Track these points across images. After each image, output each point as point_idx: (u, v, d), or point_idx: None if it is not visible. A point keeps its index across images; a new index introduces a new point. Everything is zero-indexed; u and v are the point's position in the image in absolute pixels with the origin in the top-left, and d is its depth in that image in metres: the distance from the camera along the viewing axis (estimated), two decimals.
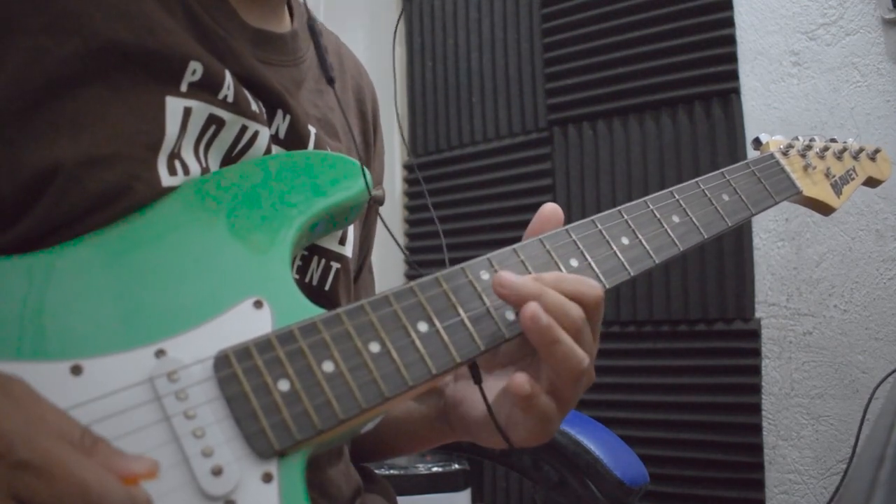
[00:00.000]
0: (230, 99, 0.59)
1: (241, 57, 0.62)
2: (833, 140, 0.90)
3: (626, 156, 1.94)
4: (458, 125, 2.27)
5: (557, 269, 0.57)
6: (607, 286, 0.59)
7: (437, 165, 2.31)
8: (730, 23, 1.81)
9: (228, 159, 0.61)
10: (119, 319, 0.47)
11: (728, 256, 1.78)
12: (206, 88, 0.58)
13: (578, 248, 0.59)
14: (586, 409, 1.79)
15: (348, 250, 0.71)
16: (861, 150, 0.91)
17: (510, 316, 0.54)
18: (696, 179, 0.70)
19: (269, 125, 0.64)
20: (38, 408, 0.38)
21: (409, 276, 2.26)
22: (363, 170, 0.62)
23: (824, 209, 0.85)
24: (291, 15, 0.75)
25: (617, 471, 0.93)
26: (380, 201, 0.73)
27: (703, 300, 1.81)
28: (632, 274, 0.61)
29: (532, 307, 0.50)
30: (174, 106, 0.56)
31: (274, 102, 0.64)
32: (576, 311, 0.52)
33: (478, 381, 0.56)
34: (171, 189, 0.55)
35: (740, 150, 1.78)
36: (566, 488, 0.97)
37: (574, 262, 0.59)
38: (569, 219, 0.59)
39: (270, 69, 0.66)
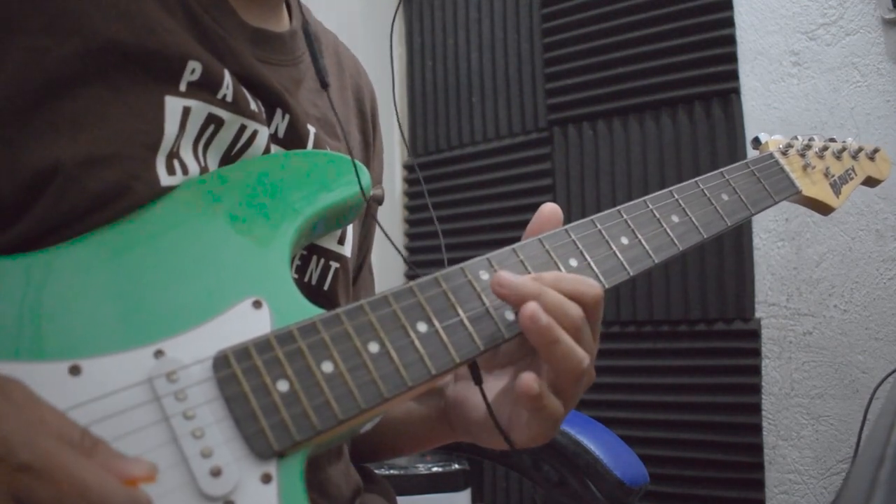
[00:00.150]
0: (229, 98, 0.59)
1: (241, 56, 0.62)
2: (832, 140, 0.90)
3: (626, 156, 1.94)
4: (458, 125, 2.27)
5: (557, 269, 0.57)
6: (607, 286, 0.58)
7: (437, 165, 2.31)
8: (730, 23, 1.81)
9: (227, 159, 0.61)
10: (118, 319, 0.47)
11: (728, 256, 1.78)
12: (206, 88, 0.58)
13: (578, 247, 0.59)
14: (586, 409, 1.79)
15: (347, 250, 0.71)
16: (860, 149, 0.90)
17: (510, 316, 0.54)
18: (696, 179, 0.70)
19: (269, 124, 0.64)
20: (37, 409, 0.38)
21: (409, 276, 2.26)
22: (356, 168, 0.62)
23: (823, 209, 0.84)
24: (290, 14, 0.75)
25: (617, 471, 0.93)
26: (379, 201, 0.73)
27: (703, 300, 1.81)
28: (631, 274, 0.60)
29: (531, 307, 0.50)
30: (173, 105, 0.56)
31: (273, 102, 0.64)
32: (575, 310, 0.52)
33: (478, 381, 0.56)
34: (170, 189, 0.55)
35: (740, 150, 1.78)
36: (566, 488, 0.97)
37: (573, 262, 0.58)
38: (568, 219, 0.59)
39: (269, 68, 0.66)
